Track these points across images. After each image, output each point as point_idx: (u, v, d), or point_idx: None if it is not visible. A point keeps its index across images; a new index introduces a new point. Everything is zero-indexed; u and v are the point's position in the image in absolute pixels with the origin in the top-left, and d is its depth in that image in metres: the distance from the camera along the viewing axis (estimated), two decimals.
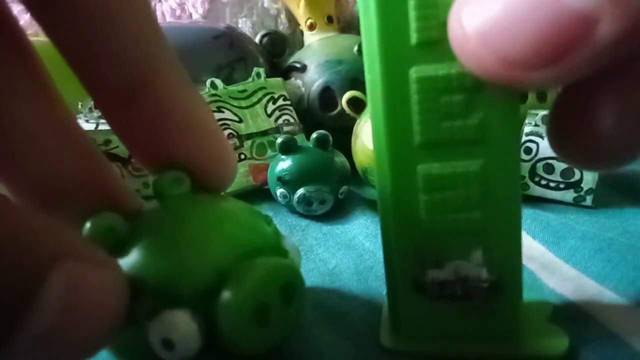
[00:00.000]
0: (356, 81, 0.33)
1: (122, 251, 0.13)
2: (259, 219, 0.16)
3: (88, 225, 0.13)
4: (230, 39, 0.36)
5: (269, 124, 0.33)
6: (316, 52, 0.36)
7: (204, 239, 0.13)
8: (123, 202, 0.15)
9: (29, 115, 0.13)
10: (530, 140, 0.28)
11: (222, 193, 0.17)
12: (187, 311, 0.12)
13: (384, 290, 0.16)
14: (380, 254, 0.23)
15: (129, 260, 0.13)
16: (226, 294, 0.12)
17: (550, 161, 0.27)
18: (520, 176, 0.14)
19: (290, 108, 0.34)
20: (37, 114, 0.13)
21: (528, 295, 0.16)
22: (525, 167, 0.28)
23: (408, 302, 0.15)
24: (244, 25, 0.41)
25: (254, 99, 0.33)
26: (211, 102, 0.32)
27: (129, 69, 0.13)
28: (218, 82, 0.32)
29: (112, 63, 0.13)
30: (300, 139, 0.32)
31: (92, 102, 0.31)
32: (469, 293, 0.14)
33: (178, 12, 0.43)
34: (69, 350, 0.10)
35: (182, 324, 0.12)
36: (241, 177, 0.31)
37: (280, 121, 0.33)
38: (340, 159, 0.28)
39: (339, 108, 0.33)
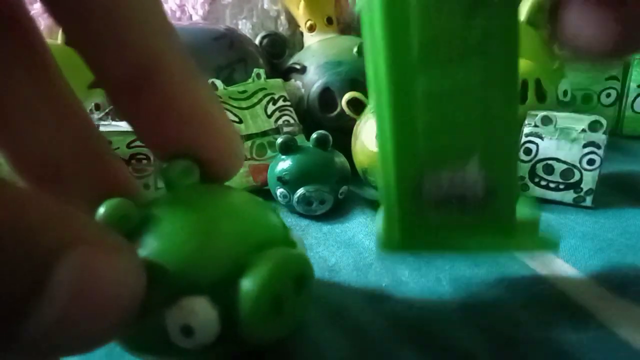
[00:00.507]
0: (356, 82, 0.33)
1: (136, 238, 0.13)
2: (269, 210, 0.16)
3: (101, 211, 0.13)
4: (230, 40, 0.36)
5: (269, 124, 0.33)
6: (316, 53, 0.36)
7: (220, 228, 0.14)
8: (121, 178, 0.15)
9: (25, 84, 0.13)
10: (530, 141, 0.28)
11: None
12: (206, 297, 0.12)
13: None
14: (379, 251, 0.23)
15: (145, 248, 0.13)
16: (246, 284, 0.12)
17: (550, 162, 0.27)
18: (518, 90, 0.15)
19: (290, 109, 0.34)
20: (34, 84, 0.13)
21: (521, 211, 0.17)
22: (525, 168, 0.28)
23: (405, 207, 0.15)
24: (244, 27, 0.42)
25: (254, 99, 0.33)
26: None
27: (133, 56, 0.13)
28: (218, 82, 0.32)
29: (116, 51, 0.13)
30: (300, 139, 0.32)
31: (92, 105, 0.31)
32: (465, 197, 0.15)
33: (178, 13, 0.43)
34: (82, 338, 0.10)
35: (202, 310, 0.12)
36: (241, 177, 0.31)
37: (280, 122, 0.33)
38: (340, 159, 0.28)
39: (338, 109, 0.33)
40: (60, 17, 0.13)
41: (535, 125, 0.27)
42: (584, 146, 0.26)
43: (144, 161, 0.29)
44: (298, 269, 0.14)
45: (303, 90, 0.36)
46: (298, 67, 0.37)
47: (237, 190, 0.16)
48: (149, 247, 0.13)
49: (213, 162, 0.15)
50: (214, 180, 0.16)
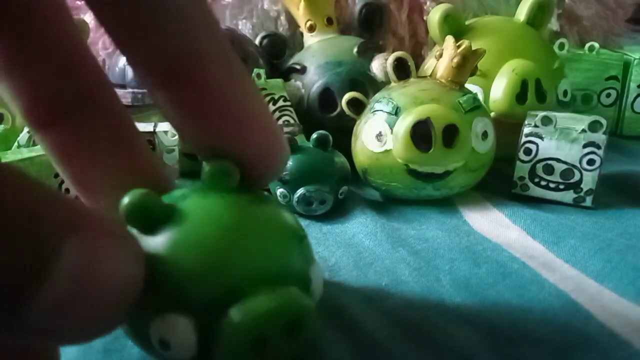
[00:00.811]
0: (356, 82, 0.33)
1: (154, 233, 0.13)
2: (292, 238, 0.15)
3: (125, 200, 0.13)
4: (230, 40, 0.36)
5: None
6: (316, 53, 0.36)
7: (230, 251, 0.13)
8: (123, 126, 0.15)
9: (40, 34, 0.13)
10: (530, 141, 0.28)
11: None
12: (191, 320, 0.12)
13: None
14: (379, 251, 0.23)
15: (155, 246, 0.13)
16: (233, 314, 0.12)
17: (550, 162, 0.27)
18: None
19: (291, 109, 0.34)
20: (49, 33, 0.13)
21: None
22: (525, 168, 0.28)
23: None
24: (244, 27, 0.42)
25: None
26: None
27: (174, 49, 0.13)
28: None
29: (156, 43, 0.13)
30: (300, 139, 0.32)
31: None
32: None
33: None
34: (80, 324, 0.10)
35: (181, 331, 0.12)
36: None
37: (280, 122, 0.33)
38: (340, 159, 0.28)
39: (338, 109, 0.33)
40: (97, 6, 0.13)
41: (535, 126, 0.27)
42: (584, 146, 0.26)
43: None
44: (293, 315, 0.13)
45: (303, 90, 0.36)
46: (298, 67, 0.37)
47: (270, 207, 0.15)
48: (158, 247, 0.13)
49: (254, 162, 0.14)
50: (254, 181, 0.15)
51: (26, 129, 0.27)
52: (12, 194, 0.09)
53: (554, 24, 0.43)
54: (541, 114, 0.27)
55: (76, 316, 0.10)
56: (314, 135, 0.28)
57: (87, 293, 0.10)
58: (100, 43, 0.40)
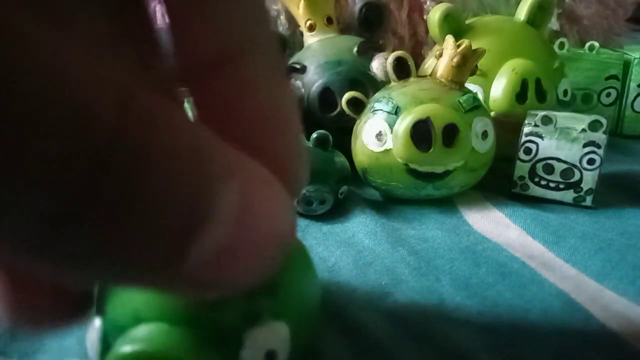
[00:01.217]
0: (356, 82, 0.33)
1: None
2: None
3: None
4: None
5: None
6: (316, 53, 0.36)
7: None
8: None
9: None
10: (530, 141, 0.28)
11: None
12: (100, 328, 0.13)
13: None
14: (379, 250, 0.23)
15: None
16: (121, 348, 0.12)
17: (550, 161, 0.27)
18: None
19: None
20: None
21: None
22: (525, 168, 0.28)
23: None
24: None
25: None
26: None
27: (219, 39, 0.12)
28: None
29: (201, 30, 0.12)
30: None
31: None
32: None
33: None
34: (239, 270, 0.10)
35: (92, 335, 0.13)
36: None
37: None
38: (340, 159, 0.28)
39: (338, 109, 0.33)
40: None
41: (535, 125, 0.27)
42: (584, 146, 0.26)
43: None
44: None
45: (303, 90, 0.36)
46: (298, 66, 0.36)
47: None
48: None
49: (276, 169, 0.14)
50: None
51: None
52: (179, 136, 0.09)
53: (554, 24, 0.43)
54: (541, 113, 0.27)
55: (233, 263, 0.09)
56: (314, 135, 0.28)
57: (249, 237, 0.09)
58: None
